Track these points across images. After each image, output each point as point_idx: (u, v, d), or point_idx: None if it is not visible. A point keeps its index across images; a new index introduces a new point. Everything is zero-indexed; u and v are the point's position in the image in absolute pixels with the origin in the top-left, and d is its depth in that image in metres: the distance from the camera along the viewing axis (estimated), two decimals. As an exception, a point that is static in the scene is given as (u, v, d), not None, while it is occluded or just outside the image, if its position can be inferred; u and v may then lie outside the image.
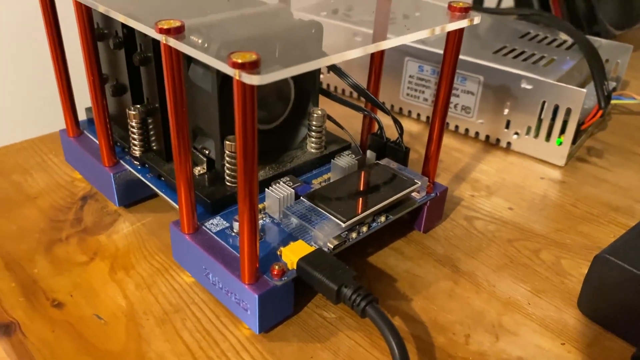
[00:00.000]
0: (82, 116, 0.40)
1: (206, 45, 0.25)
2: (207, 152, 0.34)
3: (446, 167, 0.44)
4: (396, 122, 0.36)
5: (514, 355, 0.29)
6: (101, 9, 0.29)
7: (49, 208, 0.37)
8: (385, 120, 0.38)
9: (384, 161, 0.36)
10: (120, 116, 0.37)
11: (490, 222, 0.38)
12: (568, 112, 0.43)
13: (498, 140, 0.48)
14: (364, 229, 0.31)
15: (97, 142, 0.37)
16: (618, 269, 0.28)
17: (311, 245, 0.29)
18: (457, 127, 0.49)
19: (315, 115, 0.36)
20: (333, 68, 0.36)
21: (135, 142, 0.35)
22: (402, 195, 0.33)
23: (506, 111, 0.46)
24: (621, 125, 0.53)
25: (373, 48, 0.28)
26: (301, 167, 0.36)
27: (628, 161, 0.47)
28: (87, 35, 0.32)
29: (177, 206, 0.32)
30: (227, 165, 0.32)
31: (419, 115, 0.51)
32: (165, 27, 0.24)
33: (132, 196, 0.37)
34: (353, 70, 0.37)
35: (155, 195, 0.38)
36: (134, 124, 0.35)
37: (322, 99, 0.37)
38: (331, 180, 0.35)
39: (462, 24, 0.30)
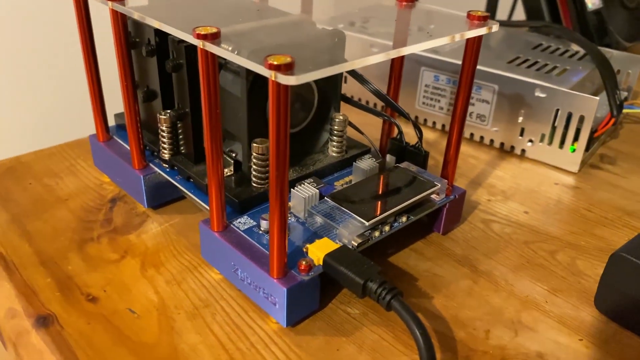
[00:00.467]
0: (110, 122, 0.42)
1: (237, 51, 0.26)
2: (234, 154, 0.36)
3: (463, 173, 0.45)
4: (416, 126, 0.37)
5: (533, 349, 0.29)
6: (136, 15, 0.31)
7: (80, 209, 0.39)
8: (403, 126, 0.39)
9: (404, 164, 0.37)
10: (149, 121, 0.39)
11: (506, 225, 0.39)
12: (581, 119, 0.44)
13: (512, 147, 0.49)
14: (387, 228, 0.32)
15: (126, 146, 0.39)
16: (634, 266, 0.29)
17: (336, 243, 0.30)
18: (472, 134, 0.50)
19: (337, 120, 0.37)
20: (355, 75, 0.38)
21: (165, 146, 0.37)
22: (422, 197, 0.34)
23: (520, 119, 0.47)
24: (633, 134, 0.54)
25: (395, 53, 0.30)
26: (323, 170, 0.37)
27: (640, 168, 0.48)
28: (122, 42, 0.34)
29: (205, 206, 0.34)
30: (254, 167, 0.34)
31: (434, 123, 0.53)
32: (202, 32, 0.26)
33: (160, 198, 0.39)
34: (370, 80, 0.39)
35: (182, 197, 0.39)
36: (164, 127, 0.36)
37: (342, 106, 0.39)
38: (353, 182, 0.36)
39: (481, 31, 0.32)
